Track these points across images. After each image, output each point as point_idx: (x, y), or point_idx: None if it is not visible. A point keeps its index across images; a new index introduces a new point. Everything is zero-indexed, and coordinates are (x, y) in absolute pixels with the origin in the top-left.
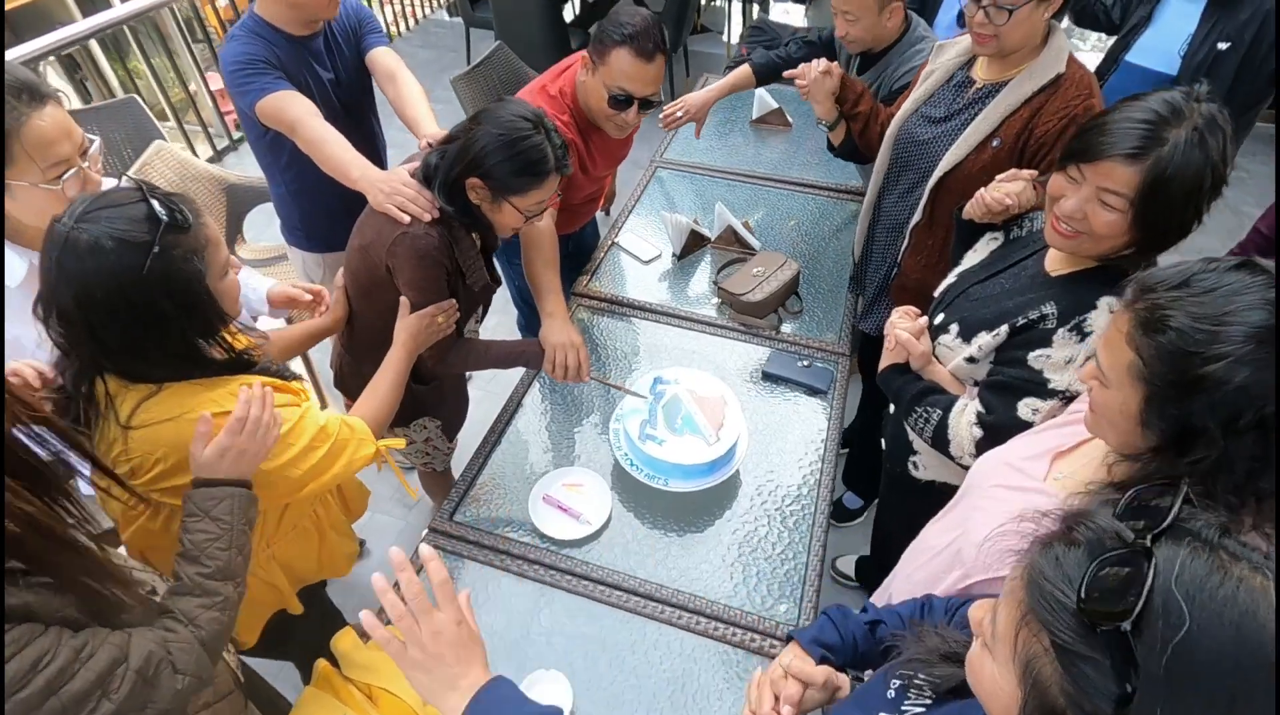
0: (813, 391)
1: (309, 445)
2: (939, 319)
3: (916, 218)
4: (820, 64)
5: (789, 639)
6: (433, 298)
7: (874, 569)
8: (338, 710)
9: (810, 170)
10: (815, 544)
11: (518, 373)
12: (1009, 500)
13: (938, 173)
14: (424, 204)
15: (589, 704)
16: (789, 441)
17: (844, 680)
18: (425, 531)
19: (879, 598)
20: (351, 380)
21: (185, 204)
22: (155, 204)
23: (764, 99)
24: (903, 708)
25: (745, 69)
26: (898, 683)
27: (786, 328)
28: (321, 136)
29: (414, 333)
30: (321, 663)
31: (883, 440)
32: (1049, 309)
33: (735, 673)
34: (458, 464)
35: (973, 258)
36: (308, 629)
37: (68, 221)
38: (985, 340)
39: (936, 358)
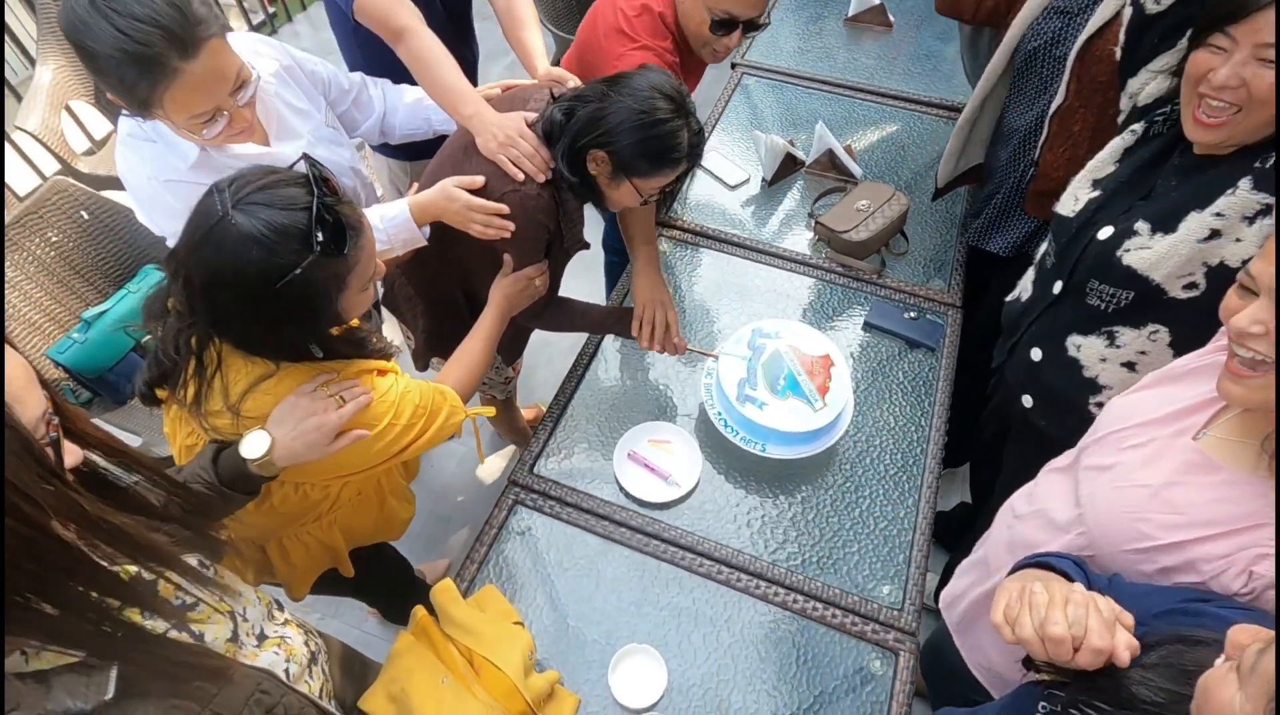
0: (920, 347)
1: (409, 422)
2: (1106, 233)
3: (1059, 100)
4: None
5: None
6: (532, 259)
7: (959, 526)
8: (438, 669)
9: (912, 81)
10: (922, 521)
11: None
12: (1140, 467)
13: (1081, 39)
14: (539, 163)
15: (683, 681)
16: (894, 404)
17: None
18: (506, 484)
19: (973, 553)
20: (403, 302)
21: (351, 220)
22: (317, 231)
23: None
24: None
25: None
26: (1047, 706)
27: (890, 270)
28: (434, 56)
29: (509, 295)
30: (421, 612)
31: (992, 383)
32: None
33: (833, 657)
34: (531, 397)
35: (1103, 167)
36: (372, 569)
37: (227, 197)
38: (1206, 218)
39: (1118, 261)
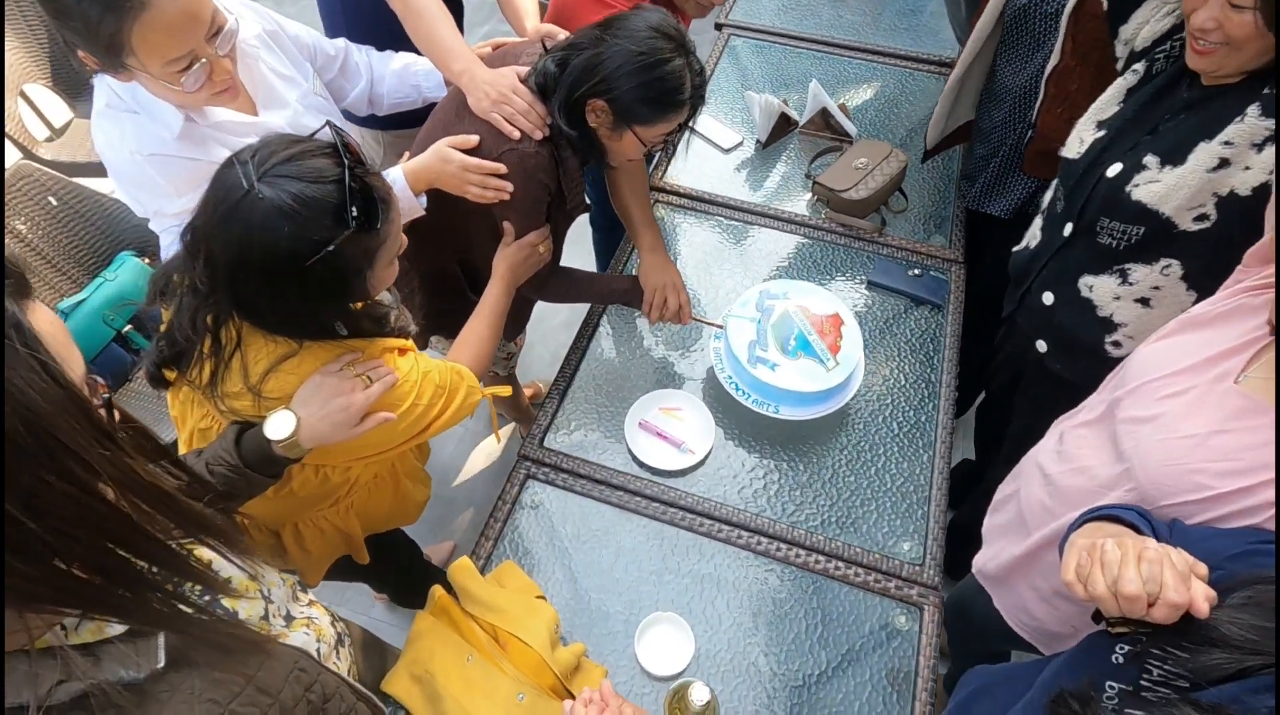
0: (925, 303)
1: (430, 403)
2: (1115, 170)
3: (1055, 61)
4: None
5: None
6: (534, 223)
7: (964, 481)
8: (461, 647)
9: (898, 36)
10: (938, 476)
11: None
12: (1184, 416)
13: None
14: (535, 120)
15: (710, 646)
16: (903, 361)
17: None
18: (516, 459)
19: (997, 515)
20: (398, 278)
21: (381, 192)
22: (351, 205)
23: None
24: (1141, 683)
25: None
26: (1126, 648)
27: (890, 228)
28: (430, 9)
29: (513, 265)
30: (439, 592)
31: (1002, 333)
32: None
33: (858, 615)
34: (528, 375)
35: (1107, 108)
36: (383, 553)
37: (251, 169)
38: (1215, 147)
39: (1128, 196)
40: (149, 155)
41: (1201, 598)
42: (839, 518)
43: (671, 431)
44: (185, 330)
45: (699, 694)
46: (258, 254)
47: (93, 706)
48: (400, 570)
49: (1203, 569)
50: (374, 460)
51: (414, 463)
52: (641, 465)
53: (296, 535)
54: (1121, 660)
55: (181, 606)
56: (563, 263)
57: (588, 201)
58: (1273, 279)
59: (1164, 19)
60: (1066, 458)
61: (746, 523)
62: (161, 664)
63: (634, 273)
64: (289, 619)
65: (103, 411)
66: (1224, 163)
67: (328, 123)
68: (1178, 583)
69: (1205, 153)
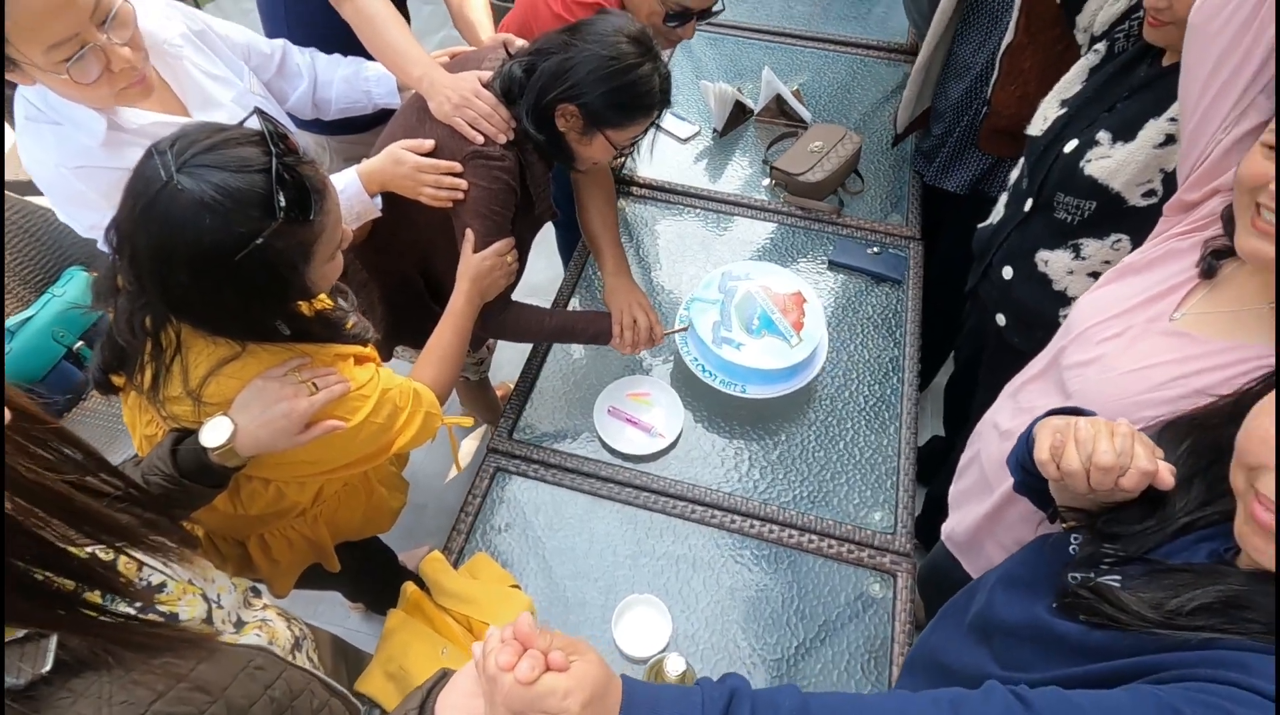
0: (886, 280)
1: (387, 421)
2: (1071, 146)
3: (1009, 38)
4: None
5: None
6: (498, 233)
7: (937, 457)
8: (435, 641)
9: (848, 25)
10: (905, 446)
11: (560, 272)
12: (1123, 354)
13: None
14: (499, 123)
15: (688, 626)
16: (866, 337)
17: None
18: (485, 453)
19: (960, 481)
20: (357, 289)
21: (314, 182)
22: (279, 194)
23: None
24: (1102, 566)
25: None
26: (1079, 538)
27: (848, 209)
28: (382, 15)
29: (477, 277)
30: (410, 587)
31: (968, 309)
32: None
33: (833, 586)
34: (497, 376)
35: (1070, 87)
36: (358, 561)
37: (170, 158)
38: (1162, 124)
39: (1081, 171)
40: (75, 168)
41: (1166, 471)
42: (810, 493)
43: (641, 417)
44: (124, 333)
45: (674, 665)
46: (181, 250)
47: None
48: (375, 577)
49: (1160, 451)
50: (328, 478)
51: (390, 469)
52: (612, 452)
53: (262, 545)
54: (1076, 549)
55: (87, 611)
56: (527, 265)
57: (556, 210)
58: (1200, 222)
59: (1118, 2)
60: (1020, 412)
61: (719, 502)
62: (48, 668)
63: (598, 290)
64: (240, 624)
65: None
66: (1170, 139)
67: (256, 109)
68: (1148, 454)
69: (1154, 129)
